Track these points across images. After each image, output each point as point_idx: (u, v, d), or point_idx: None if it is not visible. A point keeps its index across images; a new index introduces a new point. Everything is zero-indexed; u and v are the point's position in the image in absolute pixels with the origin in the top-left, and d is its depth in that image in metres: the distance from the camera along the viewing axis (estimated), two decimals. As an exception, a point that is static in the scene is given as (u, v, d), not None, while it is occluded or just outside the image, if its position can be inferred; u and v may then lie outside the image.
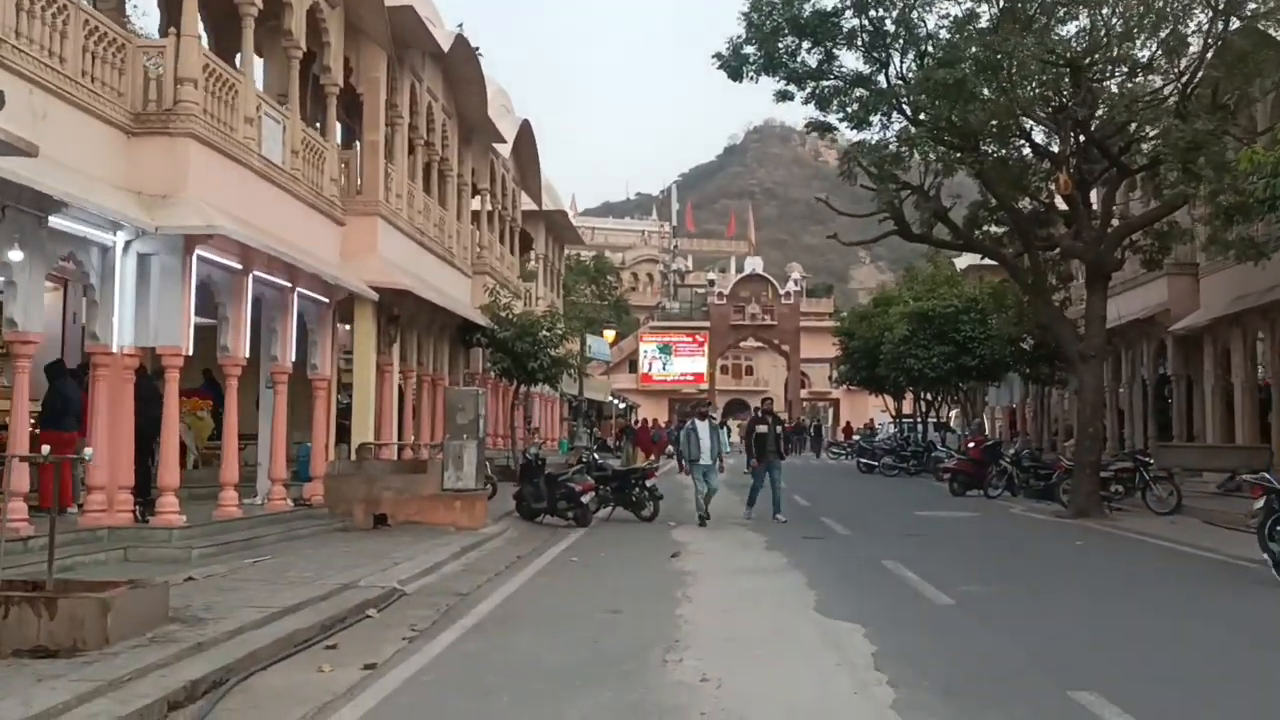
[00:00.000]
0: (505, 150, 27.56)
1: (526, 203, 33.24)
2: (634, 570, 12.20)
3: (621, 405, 55.74)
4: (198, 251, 11.96)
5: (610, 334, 37.91)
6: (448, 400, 16.70)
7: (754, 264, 73.71)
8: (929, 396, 39.31)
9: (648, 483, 17.91)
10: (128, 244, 11.62)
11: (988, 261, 39.93)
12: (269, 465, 14.71)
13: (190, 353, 12.13)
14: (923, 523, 18.36)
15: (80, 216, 10.76)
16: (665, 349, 73.50)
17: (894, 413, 46.40)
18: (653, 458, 32.83)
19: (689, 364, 72.57)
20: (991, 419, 42.46)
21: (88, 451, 9.14)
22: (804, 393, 73.08)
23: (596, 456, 18.94)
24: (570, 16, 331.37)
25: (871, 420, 57.06)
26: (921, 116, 18.94)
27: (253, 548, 12.58)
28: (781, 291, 71.28)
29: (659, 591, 10.48)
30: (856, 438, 51.15)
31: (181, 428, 16.34)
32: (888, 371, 32.91)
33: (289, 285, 14.60)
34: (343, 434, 18.17)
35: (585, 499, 16.92)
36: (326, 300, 16.01)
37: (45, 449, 9.34)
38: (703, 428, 17.94)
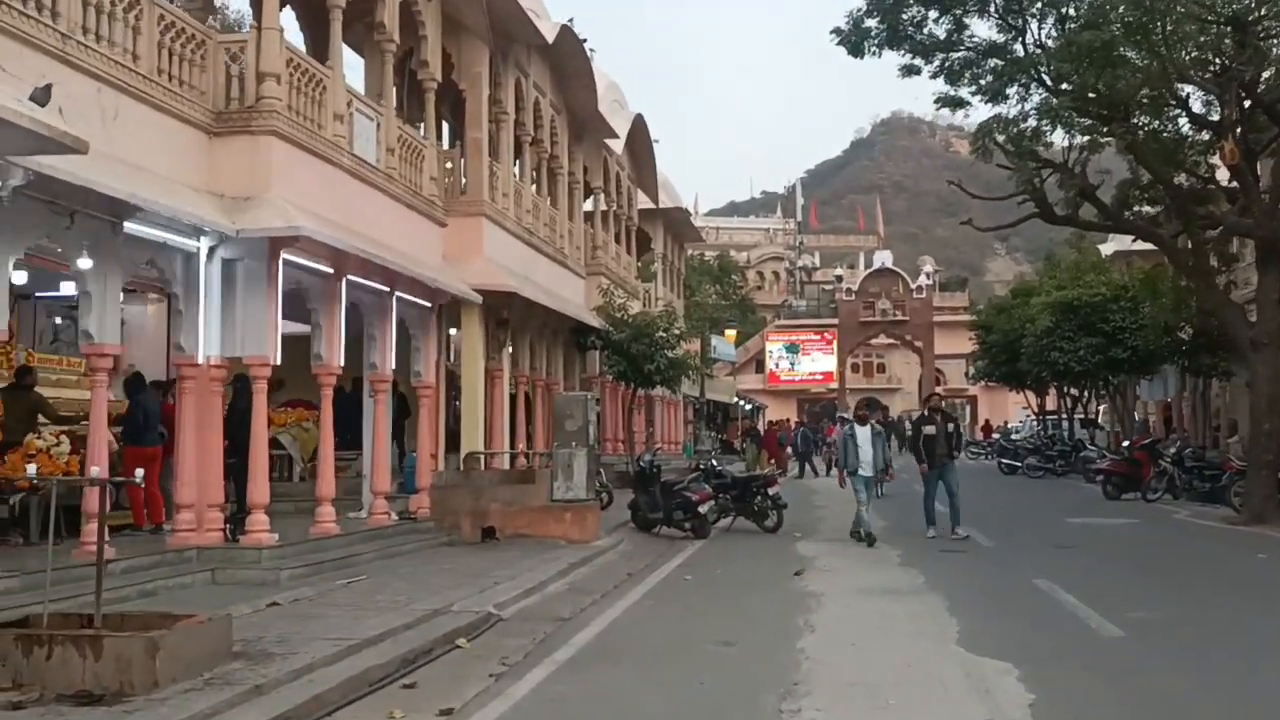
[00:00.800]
0: (618, 146, 26.72)
1: (643, 201, 32.38)
2: (752, 591, 11.08)
3: (748, 406, 54.44)
4: (284, 255, 11.34)
5: (730, 333, 36.67)
6: (555, 406, 15.87)
7: (883, 258, 71.37)
8: (1074, 392, 36.97)
9: (770, 491, 16.75)
10: (211, 250, 11.07)
11: (1137, 246, 37.35)
12: (371, 478, 14.08)
13: (278, 362, 11.51)
14: (1076, 532, 16.73)
15: (158, 221, 10.22)
16: (793, 348, 71.81)
17: (1036, 409, 43.97)
18: (774, 464, 31.45)
19: (817, 363, 70.74)
20: (1144, 414, 39.73)
21: (139, 473, 8.45)
22: (939, 389, 70.44)
23: (715, 463, 17.87)
24: (691, 17, 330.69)
25: (1004, 422, 54.39)
26: (1064, 86, 17.28)
27: (349, 566, 11.93)
28: (913, 286, 68.78)
29: (778, 618, 9.36)
30: (996, 436, 48.80)
31: (287, 439, 16.01)
32: (1030, 366, 30.91)
33: (387, 289, 13.95)
34: (457, 443, 17.57)
35: (703, 509, 15.87)
36: (429, 304, 15.35)
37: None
38: (862, 434, 15.49)
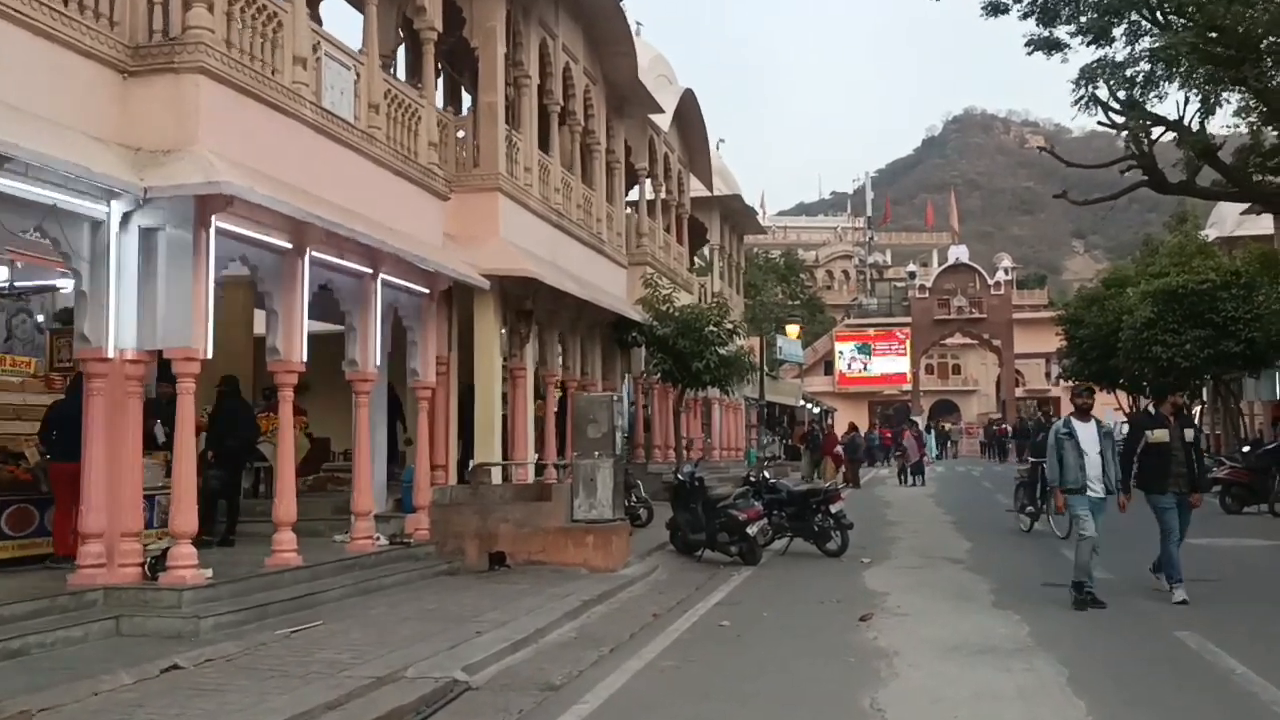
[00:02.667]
0: (665, 123, 24.25)
1: (697, 189, 29.89)
2: (804, 648, 8.55)
3: (815, 409, 51.59)
4: (216, 223, 9.11)
5: (793, 330, 33.92)
6: (575, 409, 13.49)
7: (959, 253, 67.97)
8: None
9: (833, 508, 14.18)
10: (126, 217, 8.88)
11: (1243, 231, 34.02)
12: (354, 496, 11.83)
13: (209, 356, 9.29)
14: (1205, 557, 13.88)
15: (47, 179, 8.06)
16: (863, 348, 68.63)
17: (1128, 411, 40.52)
18: (843, 475, 28.67)
19: (890, 363, 67.47)
20: (1250, 416, 36.05)
21: None
22: (1019, 392, 66.87)
23: (767, 474, 15.33)
24: (756, 17, 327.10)
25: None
26: (1181, 24, 14.46)
27: (310, 607, 9.67)
28: (990, 282, 65.33)
29: (835, 697, 6.83)
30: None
31: (270, 449, 13.83)
32: (1126, 363, 27.83)
33: (369, 270, 11.69)
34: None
35: (751, 530, 13.37)
36: (426, 290, 13.08)
37: None
38: (1085, 433, 10.42)
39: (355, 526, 11.65)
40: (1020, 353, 65.48)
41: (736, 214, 33.85)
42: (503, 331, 15.71)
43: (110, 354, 8.84)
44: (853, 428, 33.95)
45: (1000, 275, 66.04)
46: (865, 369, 67.97)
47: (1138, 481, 10.65)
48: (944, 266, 67.27)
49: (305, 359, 10.54)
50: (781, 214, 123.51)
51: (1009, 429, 41.00)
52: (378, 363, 11.89)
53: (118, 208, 8.81)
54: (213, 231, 9.10)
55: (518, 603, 10.38)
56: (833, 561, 13.81)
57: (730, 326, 20.95)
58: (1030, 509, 16.76)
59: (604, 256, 20.41)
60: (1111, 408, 59.14)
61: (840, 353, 69.01)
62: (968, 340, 69.96)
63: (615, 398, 13.29)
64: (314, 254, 10.58)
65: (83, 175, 8.15)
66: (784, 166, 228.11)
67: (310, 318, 11.47)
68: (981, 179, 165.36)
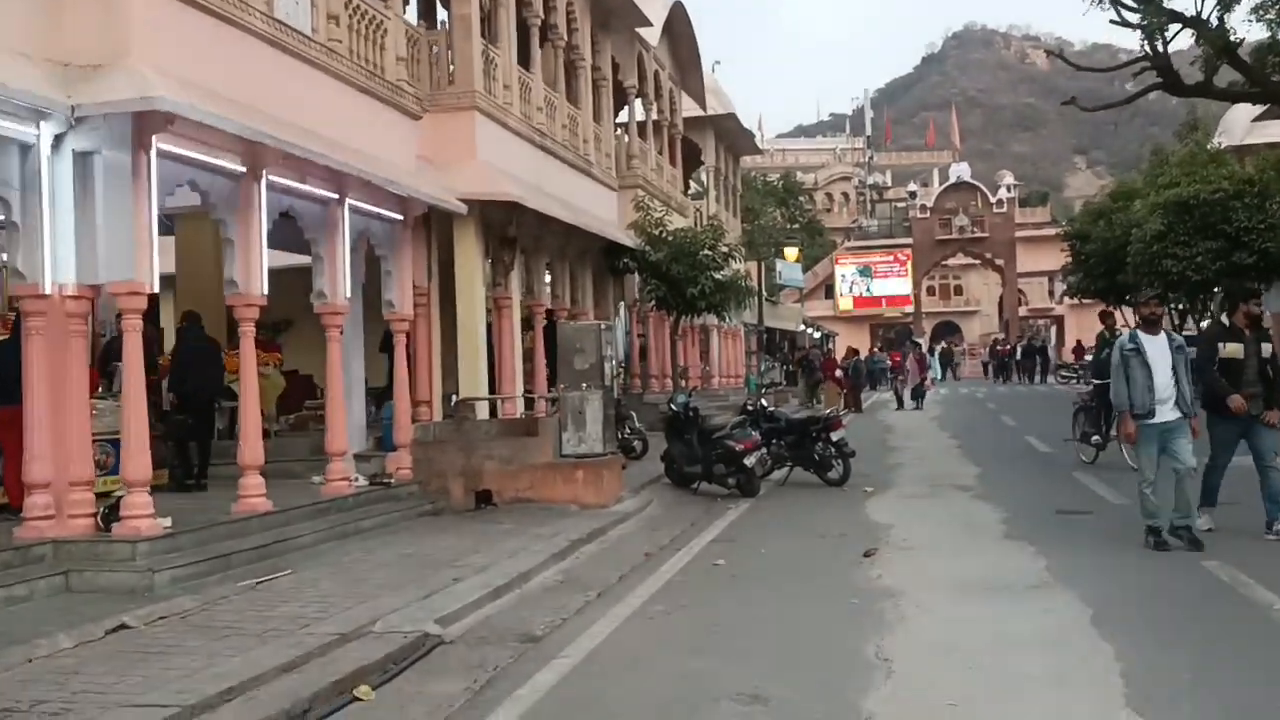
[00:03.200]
0: (654, 37, 23.22)
1: (690, 109, 28.89)
2: (803, 588, 7.97)
3: (815, 334, 50.90)
4: (158, 144, 8.35)
5: (791, 252, 33.08)
6: (561, 339, 12.81)
7: (960, 171, 66.77)
8: (1181, 307, 32.90)
9: (833, 435, 13.56)
10: (57, 139, 8.12)
11: (1254, 140, 33.00)
12: (327, 436, 11.20)
13: (155, 289, 8.60)
14: (1229, 479, 13.29)
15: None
16: (864, 271, 67.68)
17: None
18: (845, 401, 27.96)
19: (891, 285, 66.56)
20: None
21: None
22: (1022, 311, 66.11)
23: (765, 402, 14.69)
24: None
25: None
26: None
27: (281, 554, 9.10)
28: (992, 200, 64.20)
29: (838, 645, 6.25)
30: (1089, 359, 44.71)
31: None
32: (1134, 277, 26.99)
33: (334, 196, 10.94)
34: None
35: (749, 460, 12.77)
36: (399, 217, 12.33)
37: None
38: (1153, 346, 8.96)
39: (330, 468, 11.04)
40: (1023, 271, 64.60)
41: (732, 134, 32.85)
42: (486, 260, 14.98)
43: (47, 290, 8.14)
44: (852, 352, 33.28)
45: (1002, 193, 64.93)
46: (867, 291, 67.11)
47: (1204, 401, 9.40)
48: (945, 185, 66.10)
49: (266, 291, 9.84)
50: (780, 137, 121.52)
51: (1014, 348, 40.20)
52: (348, 294, 11.18)
53: (48, 130, 8.05)
54: (154, 154, 8.34)
55: (501, 544, 9.81)
56: (834, 491, 13.24)
57: (726, 250, 20.19)
58: (1096, 438, 14.88)
59: (592, 179, 19.58)
60: (1118, 325, 58.56)
61: (841, 276, 68.13)
62: (970, 260, 69.05)
63: (604, 326, 12.61)
64: (271, 178, 9.83)
65: (0, 93, 7.38)
66: (781, 89, 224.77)
67: (282, 249, 10.82)
68: (982, 96, 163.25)
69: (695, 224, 24.89)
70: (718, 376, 30.66)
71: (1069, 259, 36.44)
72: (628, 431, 15.78)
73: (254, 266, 9.66)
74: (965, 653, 5.91)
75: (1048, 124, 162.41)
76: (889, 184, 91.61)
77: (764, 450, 13.42)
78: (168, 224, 11.99)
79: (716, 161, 31.86)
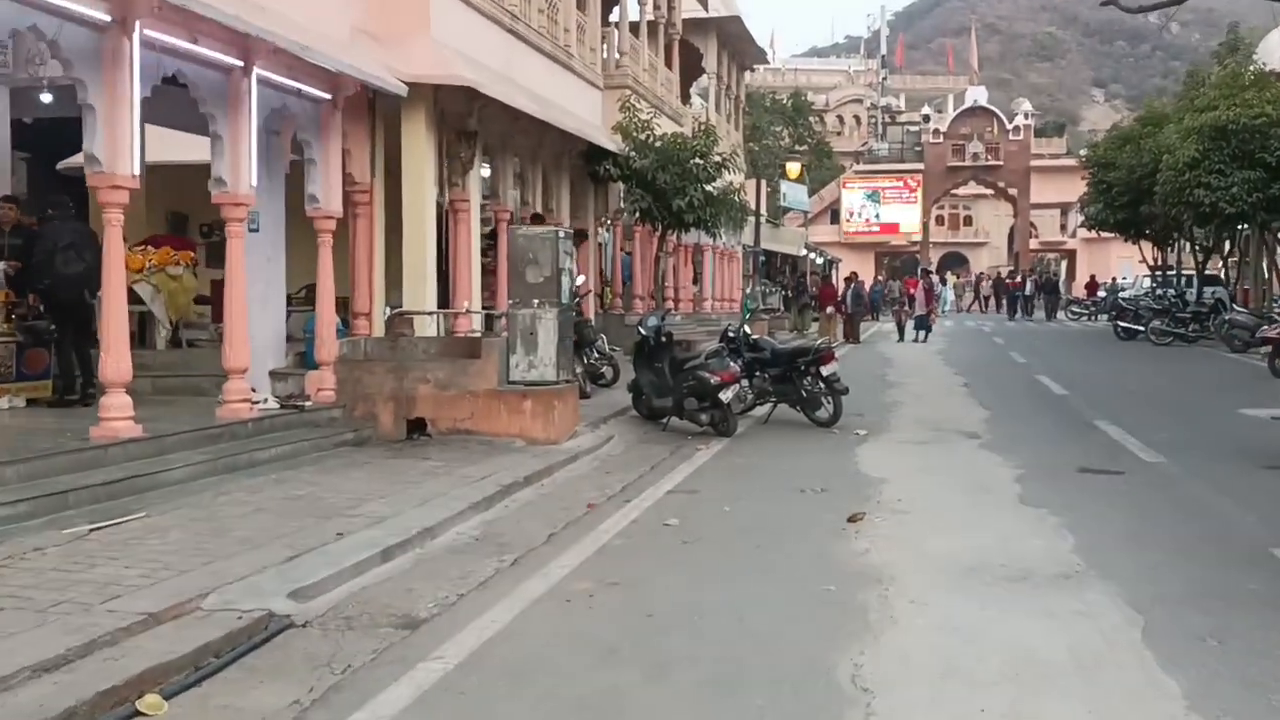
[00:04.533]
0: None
1: (691, 10, 26.70)
2: (767, 563, 6.33)
3: (819, 259, 48.95)
4: (-27, -26, 6.55)
5: (794, 168, 30.93)
6: (511, 247, 11.04)
7: (976, 95, 64.14)
8: (1206, 243, 31.03)
9: (824, 369, 11.85)
10: None
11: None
12: (223, 349, 9.51)
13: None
14: (1270, 432, 11.65)
15: None
16: (873, 196, 65.32)
17: (1152, 264, 37.98)
18: (834, 334, 26.10)
19: (899, 212, 64.28)
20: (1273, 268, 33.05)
21: None
22: (1033, 243, 63.99)
23: (747, 329, 12.97)
24: None
25: (1112, 279, 48.02)
26: None
27: (137, 493, 7.46)
28: (1008, 127, 61.69)
29: (800, 656, 4.63)
30: (1103, 294, 42.92)
31: (148, 291, 11.54)
32: (1162, 207, 25.12)
33: (236, 63, 9.11)
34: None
35: (725, 395, 11.08)
36: (327, 96, 10.50)
37: None
38: None
39: (226, 387, 9.38)
40: (1036, 203, 62.42)
41: (736, 40, 30.59)
42: (441, 157, 13.17)
43: None
44: (852, 278, 31.34)
45: (1019, 120, 62.44)
46: (875, 218, 64.88)
47: None
48: (961, 109, 63.56)
49: (139, 171, 8.08)
50: (793, 58, 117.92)
51: (1024, 281, 38.15)
52: (254, 182, 9.40)
53: None
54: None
55: (417, 487, 8.20)
56: (822, 433, 11.59)
57: (719, 159, 18.29)
58: None
59: (573, 74, 17.63)
60: (1127, 260, 56.66)
61: (848, 200, 65.85)
62: (981, 190, 66.80)
63: (561, 233, 10.82)
64: (149, 34, 8.00)
65: None
66: (795, 7, 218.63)
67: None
68: (1001, 23, 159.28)
69: (692, 132, 22.86)
70: (710, 300, 28.89)
71: (1088, 189, 34.45)
72: (595, 356, 14.11)
73: (121, 140, 7.89)
74: (972, 683, 4.28)
75: (1066, 55, 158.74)
76: (902, 108, 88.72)
77: (744, 384, 11.77)
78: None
79: (718, 70, 29.67)
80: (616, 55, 20.51)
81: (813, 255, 46.80)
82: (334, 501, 7.66)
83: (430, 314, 12.28)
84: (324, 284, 10.80)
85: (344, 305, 12.17)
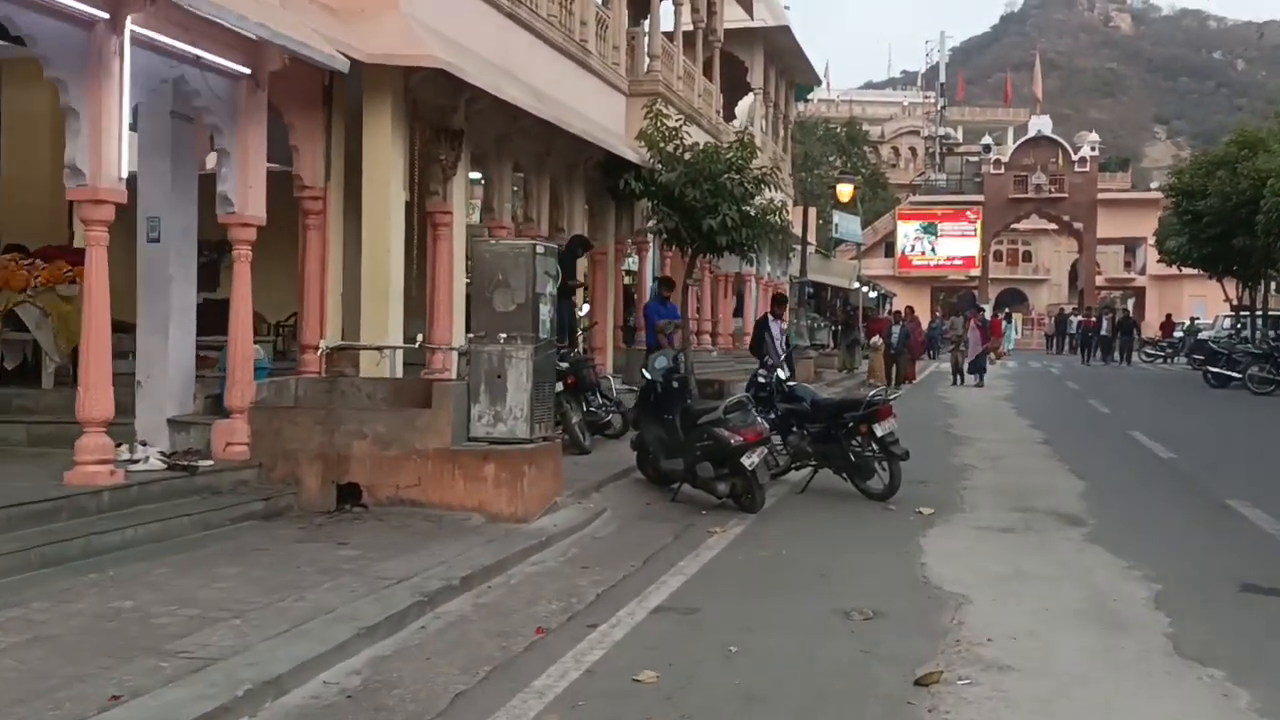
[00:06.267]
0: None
1: (735, 20, 24.35)
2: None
3: (873, 294, 46.21)
4: None
5: (845, 190, 28.19)
6: (475, 265, 8.62)
7: (1040, 124, 61.02)
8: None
9: (878, 428, 9.25)
10: None
11: None
12: (79, 394, 7.18)
13: None
14: None
15: None
16: (929, 228, 62.26)
17: (1235, 303, 34.82)
18: (897, 372, 23.50)
19: (957, 246, 61.17)
20: None
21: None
22: (1098, 280, 60.66)
23: (781, 374, 10.44)
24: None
25: (1192, 318, 44.63)
26: None
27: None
28: (1074, 158, 58.56)
29: None
30: (1180, 335, 39.77)
31: (33, 316, 9.32)
32: (1264, 239, 22.28)
33: (100, 14, 6.84)
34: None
35: (748, 460, 8.55)
36: (244, 70, 8.20)
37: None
38: None
39: (80, 444, 7.04)
40: (1101, 238, 59.16)
41: (785, 54, 28.17)
42: (413, 158, 10.87)
43: None
44: (905, 314, 28.34)
45: (1085, 151, 59.29)
46: (931, 251, 61.89)
47: None
48: (1023, 139, 60.54)
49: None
50: (848, 90, 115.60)
51: (1100, 320, 34.78)
52: (123, 173, 7.09)
53: None
54: None
55: (301, 597, 5.80)
56: (874, 511, 9.01)
57: (758, 174, 15.85)
58: None
59: (590, 74, 15.34)
60: (1199, 299, 53.22)
61: (903, 233, 62.92)
62: (1040, 224, 63.65)
63: (540, 249, 8.40)
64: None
65: None
66: (851, 44, 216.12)
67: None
68: (1061, 59, 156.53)
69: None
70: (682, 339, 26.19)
71: (1166, 219, 31.50)
72: (600, 403, 11.66)
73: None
74: None
75: (1128, 91, 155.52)
76: (960, 141, 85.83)
77: (772, 443, 9.27)
78: None
79: (765, 85, 27.24)
80: (647, 60, 18.18)
81: (865, 289, 44.06)
82: (163, 623, 5.29)
83: (376, 349, 9.88)
84: (239, 308, 8.47)
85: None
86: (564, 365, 11.04)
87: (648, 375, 9.49)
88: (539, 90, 13.05)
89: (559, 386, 10.74)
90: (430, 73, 10.25)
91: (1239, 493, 9.79)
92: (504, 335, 8.21)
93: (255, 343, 8.83)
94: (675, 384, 9.55)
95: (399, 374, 10.06)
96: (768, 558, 7.33)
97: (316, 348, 9.85)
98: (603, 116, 15.71)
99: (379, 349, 9.81)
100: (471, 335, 8.42)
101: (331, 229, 10.27)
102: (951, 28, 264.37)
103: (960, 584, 6.47)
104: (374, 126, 10.28)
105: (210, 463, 8.05)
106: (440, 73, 10.23)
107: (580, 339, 13.08)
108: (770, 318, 12.72)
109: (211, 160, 8.87)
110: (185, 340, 8.71)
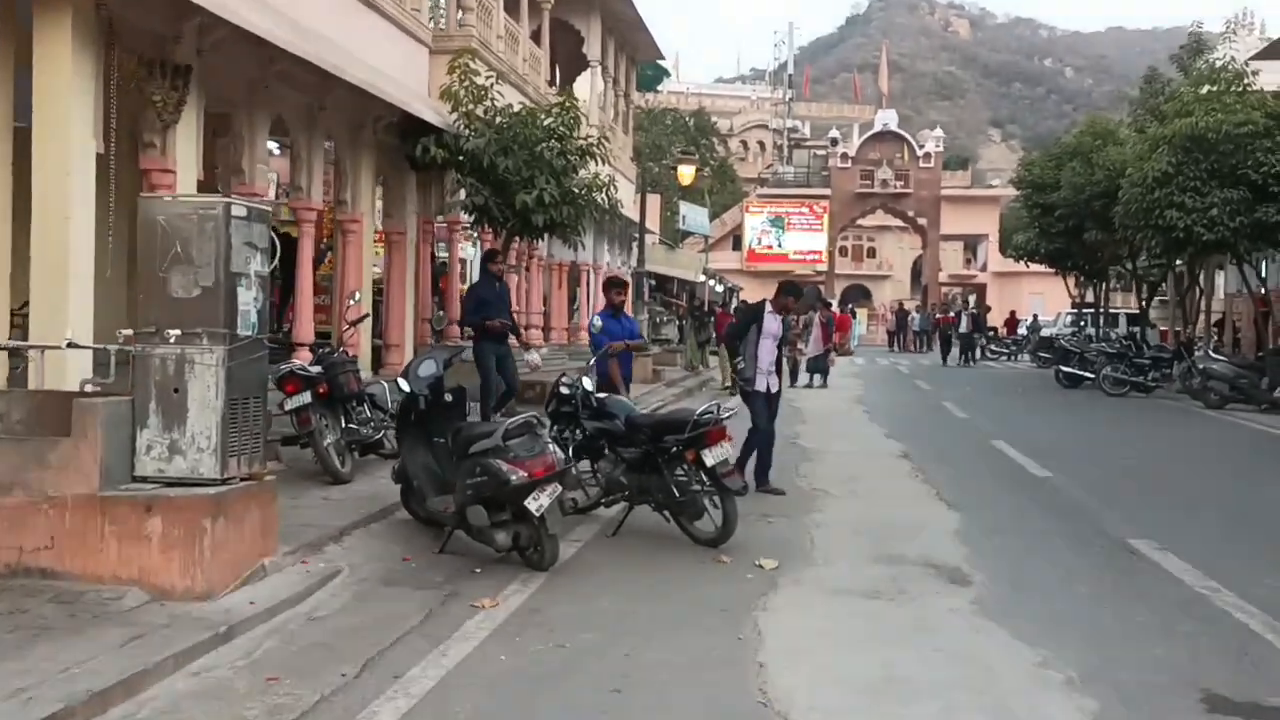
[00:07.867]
0: None
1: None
2: None
3: (719, 287, 44.68)
4: None
5: (687, 172, 26.11)
6: (141, 230, 6.13)
7: (887, 118, 60.67)
8: (1152, 278, 27.48)
9: (707, 455, 7.11)
10: None
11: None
12: None
13: None
14: None
15: None
16: (776, 221, 61.40)
17: (1079, 300, 34.45)
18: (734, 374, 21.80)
19: (804, 240, 60.46)
20: (1203, 311, 29.36)
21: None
22: (941, 276, 60.74)
23: (588, 383, 8.20)
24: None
25: (1034, 315, 44.57)
26: None
27: None
28: (919, 153, 58.37)
29: None
30: (1023, 333, 39.45)
31: None
32: (1123, 233, 21.25)
33: None
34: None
35: (534, 505, 6.30)
36: None
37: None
38: None
39: None
40: (944, 234, 59.26)
41: (625, 26, 25.98)
42: (107, 95, 8.26)
43: None
44: (743, 305, 26.56)
45: (930, 147, 59.20)
46: (777, 244, 61.04)
47: None
48: (870, 133, 60.05)
49: None
50: (697, 85, 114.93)
51: (959, 317, 33.67)
52: None
53: None
54: None
55: None
56: (702, 565, 6.88)
57: (582, 144, 13.65)
58: None
59: (381, 18, 12.85)
60: (1037, 295, 53.84)
61: (751, 226, 61.87)
62: (885, 221, 63.53)
63: (240, 210, 6.00)
64: None
65: None
66: (701, 42, 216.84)
67: None
68: (904, 61, 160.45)
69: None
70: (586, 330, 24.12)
71: (1014, 212, 30.73)
72: (366, 416, 9.23)
73: None
74: None
75: (966, 94, 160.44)
76: (807, 136, 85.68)
77: (575, 474, 7.07)
78: None
79: (603, 58, 25.02)
80: (460, 12, 15.76)
81: (712, 282, 42.47)
82: None
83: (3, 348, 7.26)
84: None
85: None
86: (315, 369, 8.65)
87: (405, 385, 7.13)
88: (303, 26, 10.53)
89: (306, 398, 8.37)
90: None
91: (1139, 527, 8.10)
92: (182, 331, 5.77)
93: None
94: (447, 397, 7.24)
95: (66, 385, 7.44)
96: (542, 656, 5.10)
97: None
98: (399, 71, 13.26)
99: (3, 348, 7.18)
100: (134, 331, 5.93)
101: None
102: (799, 28, 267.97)
103: (813, 709, 4.37)
104: (47, 54, 7.67)
105: None
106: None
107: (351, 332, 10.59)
108: (769, 309, 9.85)
109: None
110: None
